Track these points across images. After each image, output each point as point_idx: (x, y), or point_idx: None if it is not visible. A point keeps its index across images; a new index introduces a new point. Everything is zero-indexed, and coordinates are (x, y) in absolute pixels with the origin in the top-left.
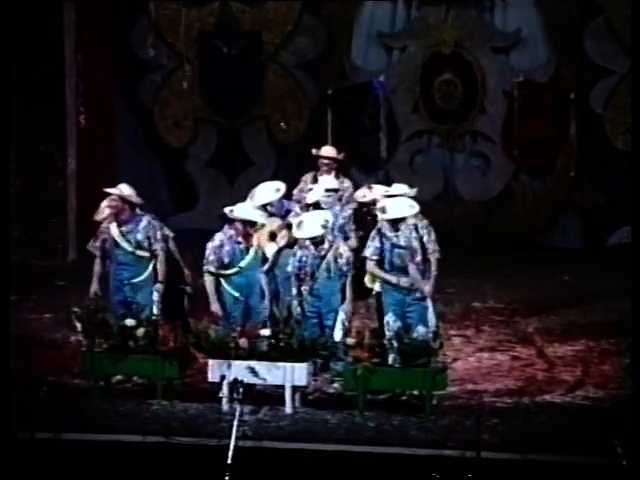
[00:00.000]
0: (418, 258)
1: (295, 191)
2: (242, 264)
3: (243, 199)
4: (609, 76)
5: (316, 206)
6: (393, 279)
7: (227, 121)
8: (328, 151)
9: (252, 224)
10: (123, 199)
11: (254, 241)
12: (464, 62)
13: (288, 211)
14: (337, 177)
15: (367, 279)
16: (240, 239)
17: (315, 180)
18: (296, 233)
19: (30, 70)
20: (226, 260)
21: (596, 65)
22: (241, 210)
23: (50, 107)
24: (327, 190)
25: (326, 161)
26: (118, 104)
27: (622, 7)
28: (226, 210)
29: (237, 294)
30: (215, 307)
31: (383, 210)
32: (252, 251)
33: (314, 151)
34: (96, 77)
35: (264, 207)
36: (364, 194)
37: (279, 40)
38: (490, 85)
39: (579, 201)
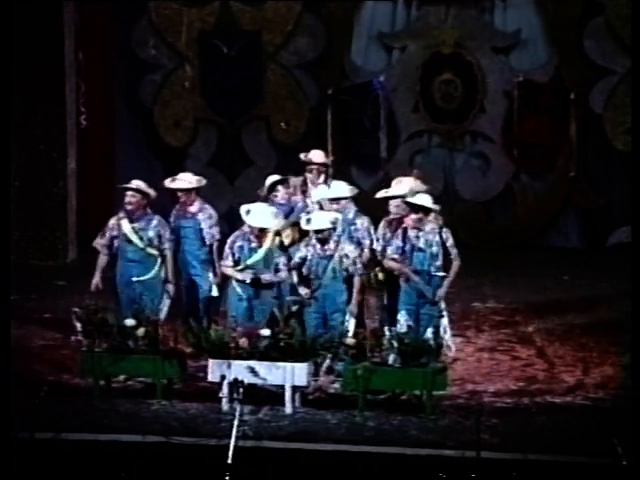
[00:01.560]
0: (438, 263)
1: (285, 195)
2: (248, 262)
3: (243, 199)
4: (609, 76)
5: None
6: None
7: (227, 121)
8: (317, 156)
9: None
10: (142, 193)
11: (266, 243)
12: (464, 62)
13: (292, 209)
14: (326, 181)
15: (380, 275)
16: (252, 237)
17: (305, 185)
18: (305, 226)
19: (30, 70)
20: (236, 256)
21: (596, 65)
22: (255, 214)
23: (50, 107)
24: (332, 199)
25: (314, 165)
26: (118, 104)
27: (622, 7)
28: (242, 210)
29: (241, 292)
30: (242, 276)
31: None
32: (261, 251)
33: (302, 156)
34: (96, 77)
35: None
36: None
37: (279, 40)
38: (490, 85)
39: (579, 201)
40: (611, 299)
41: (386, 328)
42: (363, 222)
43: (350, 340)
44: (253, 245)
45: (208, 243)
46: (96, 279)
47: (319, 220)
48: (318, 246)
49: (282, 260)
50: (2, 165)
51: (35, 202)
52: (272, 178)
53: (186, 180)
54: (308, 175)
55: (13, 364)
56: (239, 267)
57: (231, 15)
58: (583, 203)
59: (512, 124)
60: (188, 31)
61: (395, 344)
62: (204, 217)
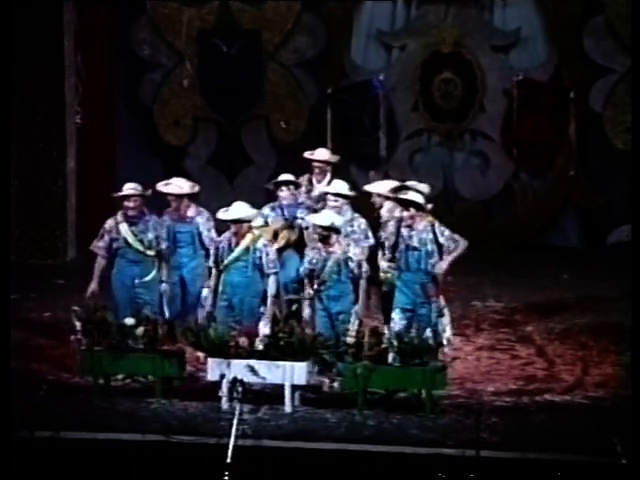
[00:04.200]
0: (434, 260)
1: (286, 194)
2: (225, 262)
3: (242, 198)
4: (609, 75)
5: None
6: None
7: (227, 120)
8: (322, 154)
9: (241, 222)
10: (140, 196)
11: (243, 242)
12: (464, 61)
13: (287, 212)
14: (331, 180)
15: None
16: (233, 238)
17: (310, 183)
18: (314, 220)
19: (30, 70)
20: (218, 257)
21: (596, 64)
22: (232, 209)
23: (50, 107)
24: (334, 194)
25: (319, 164)
26: (118, 103)
27: (622, 6)
28: (220, 213)
29: (220, 291)
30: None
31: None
32: (237, 250)
33: (307, 154)
34: (96, 76)
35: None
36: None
37: (279, 39)
38: (490, 84)
39: (579, 200)
40: (611, 299)
41: (385, 327)
42: (360, 224)
43: (350, 339)
44: (232, 245)
45: (207, 246)
46: (93, 285)
47: (326, 216)
48: (322, 247)
49: (266, 261)
50: (2, 165)
51: (35, 201)
52: (283, 177)
53: (178, 185)
54: (313, 174)
55: (13, 363)
56: (220, 267)
57: (231, 14)
58: (583, 202)
59: (512, 123)
60: (187, 30)
61: (395, 343)
62: (203, 220)
